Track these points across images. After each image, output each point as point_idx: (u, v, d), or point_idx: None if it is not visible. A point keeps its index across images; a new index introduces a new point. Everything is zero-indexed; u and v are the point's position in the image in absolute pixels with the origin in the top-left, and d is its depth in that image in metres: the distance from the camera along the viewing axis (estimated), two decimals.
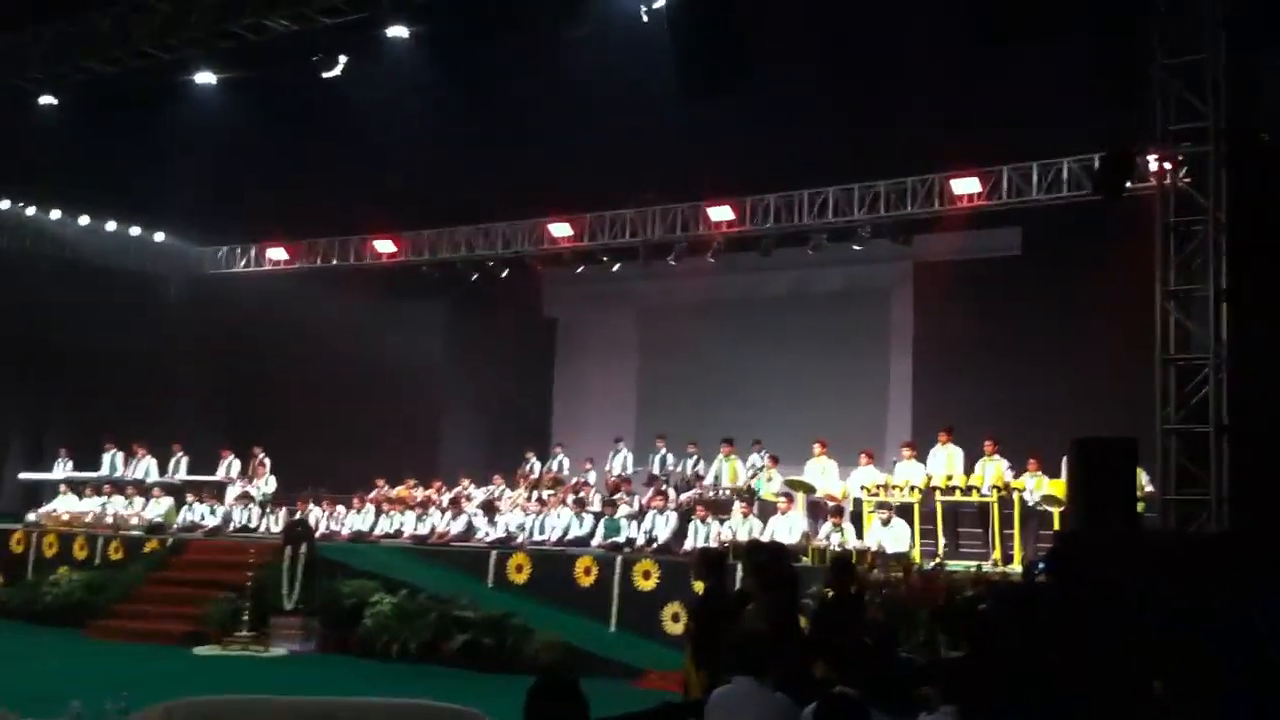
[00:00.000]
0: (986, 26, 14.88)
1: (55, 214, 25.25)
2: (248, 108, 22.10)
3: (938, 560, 15.07)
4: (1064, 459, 13.65)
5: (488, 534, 19.26)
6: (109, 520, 21.68)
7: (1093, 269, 18.74)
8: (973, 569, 14.37)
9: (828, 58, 18.50)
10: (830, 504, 17.39)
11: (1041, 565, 11.06)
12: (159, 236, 26.75)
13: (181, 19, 18.29)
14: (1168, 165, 14.07)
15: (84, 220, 25.31)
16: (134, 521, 21.65)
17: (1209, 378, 13.21)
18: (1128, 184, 15.10)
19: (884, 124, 19.25)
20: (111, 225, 25.87)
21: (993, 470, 16.78)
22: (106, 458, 23.48)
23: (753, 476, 18.86)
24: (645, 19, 16.41)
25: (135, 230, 26.32)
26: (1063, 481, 14.55)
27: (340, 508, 21.22)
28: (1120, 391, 16.39)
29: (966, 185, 19.34)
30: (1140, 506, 13.83)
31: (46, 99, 20.03)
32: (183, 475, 23.04)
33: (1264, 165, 13.43)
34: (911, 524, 16.38)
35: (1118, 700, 7.09)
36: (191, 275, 27.49)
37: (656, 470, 20.34)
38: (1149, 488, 14.63)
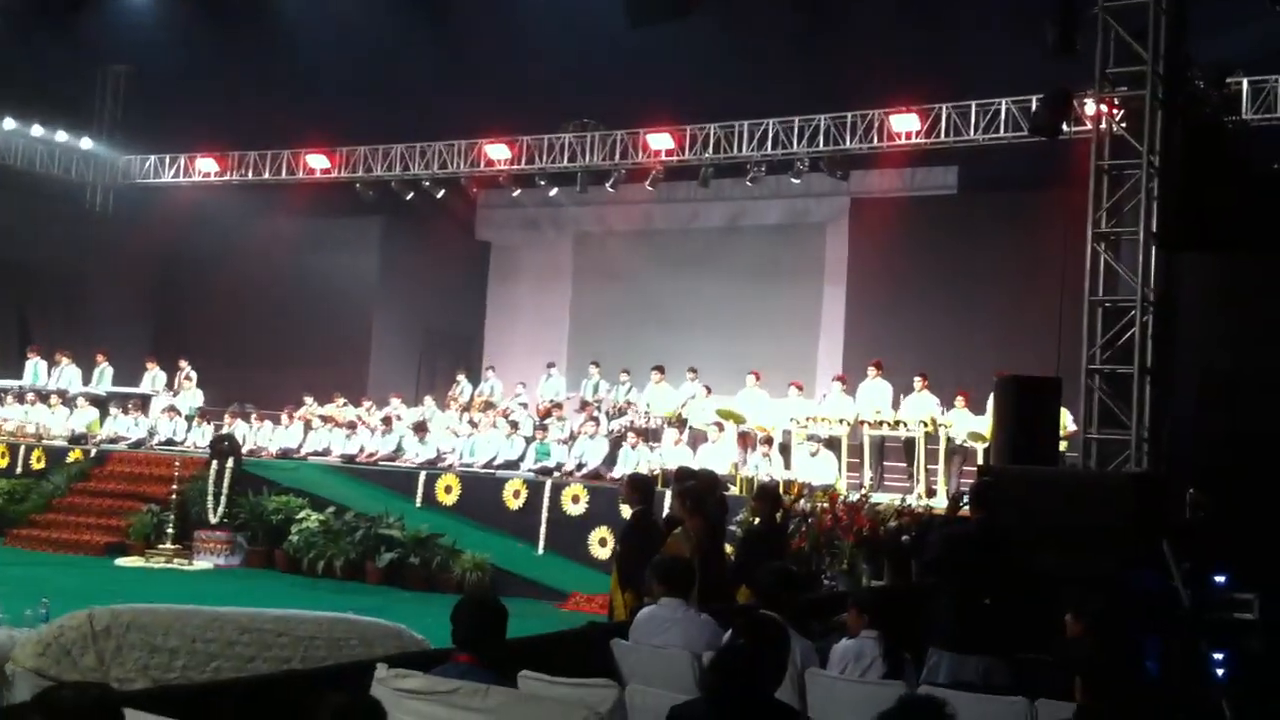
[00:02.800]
0: None
1: None
2: (182, 15, 21.61)
3: (863, 492, 15.28)
4: (990, 396, 13.86)
5: (417, 454, 19.21)
6: (31, 429, 21.37)
7: (1027, 210, 18.95)
8: (896, 502, 14.60)
9: None
10: (759, 434, 17.53)
11: (965, 499, 11.25)
12: (85, 143, 26.07)
13: None
14: (1104, 108, 14.16)
15: (9, 124, 24.52)
16: (56, 431, 21.37)
17: (1135, 320, 13.41)
18: (1064, 126, 15.21)
19: (826, 58, 19.22)
20: (38, 130, 25.15)
21: (922, 405, 16.97)
22: (29, 366, 23.02)
23: (684, 404, 18.93)
24: None
25: (61, 135, 25.62)
26: (988, 418, 14.78)
27: (268, 423, 21.06)
28: (1050, 331, 16.61)
29: (905, 122, 19.35)
30: (1063, 445, 14.09)
31: None
32: (107, 386, 22.68)
33: (1197, 112, 13.57)
34: (839, 456, 16.58)
35: (1033, 633, 7.25)
36: (117, 183, 26.85)
37: (588, 396, 20.36)
38: (1072, 427, 14.89)
